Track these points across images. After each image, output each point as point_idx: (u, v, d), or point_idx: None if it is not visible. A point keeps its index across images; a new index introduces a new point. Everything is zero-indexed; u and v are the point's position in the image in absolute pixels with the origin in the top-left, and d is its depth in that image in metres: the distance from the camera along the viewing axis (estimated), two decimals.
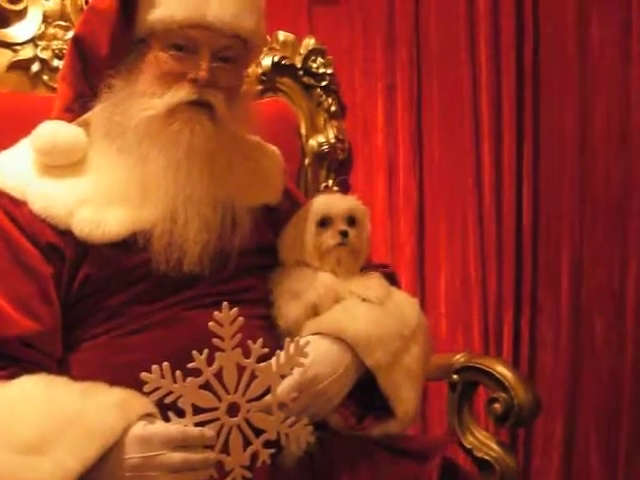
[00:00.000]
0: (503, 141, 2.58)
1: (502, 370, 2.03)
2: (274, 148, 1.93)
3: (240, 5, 1.65)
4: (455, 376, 2.11)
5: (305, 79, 2.52)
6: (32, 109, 2.09)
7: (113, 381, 1.48)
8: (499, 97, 2.57)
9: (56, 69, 2.21)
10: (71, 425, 1.40)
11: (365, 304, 1.69)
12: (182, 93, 1.61)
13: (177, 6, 1.61)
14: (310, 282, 1.72)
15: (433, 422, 2.61)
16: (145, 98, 1.63)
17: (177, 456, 1.38)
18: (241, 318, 1.40)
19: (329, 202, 1.79)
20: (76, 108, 1.70)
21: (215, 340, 1.39)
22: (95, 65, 1.67)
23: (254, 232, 1.72)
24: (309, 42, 2.53)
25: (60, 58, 2.21)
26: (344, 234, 1.74)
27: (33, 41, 2.21)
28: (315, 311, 1.70)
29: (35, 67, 2.21)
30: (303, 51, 2.52)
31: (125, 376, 1.48)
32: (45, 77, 2.22)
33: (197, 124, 1.62)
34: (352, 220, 1.77)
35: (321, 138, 2.52)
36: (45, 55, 2.21)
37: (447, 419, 2.15)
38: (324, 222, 1.76)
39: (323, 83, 2.54)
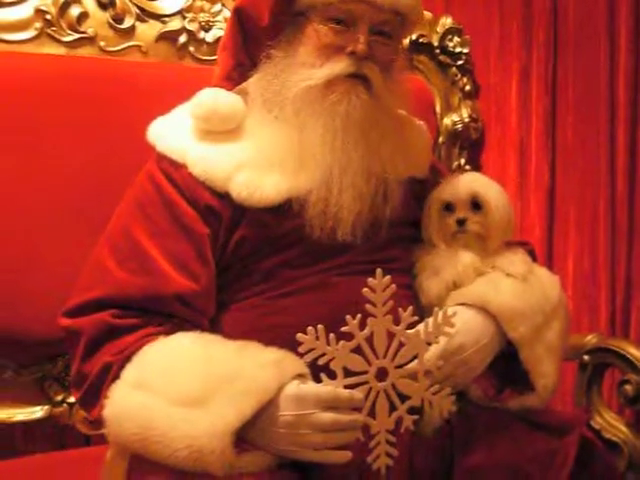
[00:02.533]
0: (639, 125, 2.53)
1: (635, 352, 2.03)
2: (421, 123, 1.94)
3: None
4: (586, 356, 2.11)
5: (441, 58, 2.54)
6: (179, 79, 2.16)
7: (262, 341, 1.52)
8: (637, 80, 2.52)
9: (202, 41, 2.29)
10: (229, 382, 1.44)
11: (509, 278, 1.70)
12: (341, 65, 1.63)
13: None
14: (449, 260, 1.73)
15: (554, 402, 2.60)
16: (304, 69, 1.66)
17: (328, 416, 1.41)
18: (393, 285, 1.41)
19: (453, 187, 1.78)
20: (235, 77, 1.74)
21: (368, 306, 1.41)
22: (255, 36, 1.71)
23: (403, 204, 1.74)
24: (446, 21, 2.55)
25: (206, 30, 2.28)
26: (461, 222, 1.74)
27: (181, 13, 2.27)
28: (455, 288, 1.71)
29: (182, 38, 2.27)
30: (440, 30, 2.54)
31: (274, 337, 1.52)
32: (191, 48, 2.28)
33: (354, 96, 1.64)
34: (477, 205, 1.76)
35: (455, 117, 2.54)
36: (192, 27, 2.27)
37: (574, 399, 2.16)
38: (449, 207, 1.77)
39: (459, 62, 2.56)
